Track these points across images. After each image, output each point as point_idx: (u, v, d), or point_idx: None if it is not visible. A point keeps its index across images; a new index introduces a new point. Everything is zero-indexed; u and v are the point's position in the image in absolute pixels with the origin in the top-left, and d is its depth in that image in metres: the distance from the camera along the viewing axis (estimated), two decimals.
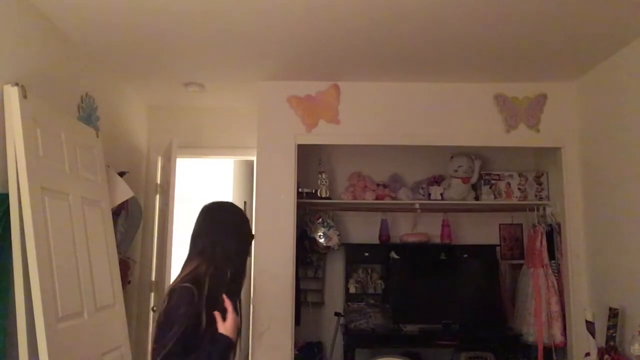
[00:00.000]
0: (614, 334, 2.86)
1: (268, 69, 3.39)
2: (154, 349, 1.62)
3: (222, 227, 1.80)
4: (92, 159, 2.88)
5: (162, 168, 4.12)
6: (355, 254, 4.26)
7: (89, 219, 2.68)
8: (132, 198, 3.42)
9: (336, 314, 4.12)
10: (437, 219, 4.27)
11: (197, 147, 4.17)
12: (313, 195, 4.07)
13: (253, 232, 2.17)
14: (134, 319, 3.85)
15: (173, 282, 1.70)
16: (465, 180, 4.08)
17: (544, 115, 3.54)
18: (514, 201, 4.09)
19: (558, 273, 3.68)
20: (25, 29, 2.45)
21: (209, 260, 1.72)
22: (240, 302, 1.80)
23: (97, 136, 3.03)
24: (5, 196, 2.18)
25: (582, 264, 3.40)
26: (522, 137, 3.55)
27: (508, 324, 3.95)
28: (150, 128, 4.25)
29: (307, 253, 4.22)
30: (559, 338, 3.55)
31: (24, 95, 2.25)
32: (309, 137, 3.57)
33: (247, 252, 1.90)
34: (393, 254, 4.16)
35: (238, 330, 1.73)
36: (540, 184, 4.10)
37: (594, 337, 3.00)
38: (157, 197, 4.10)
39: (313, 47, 3.00)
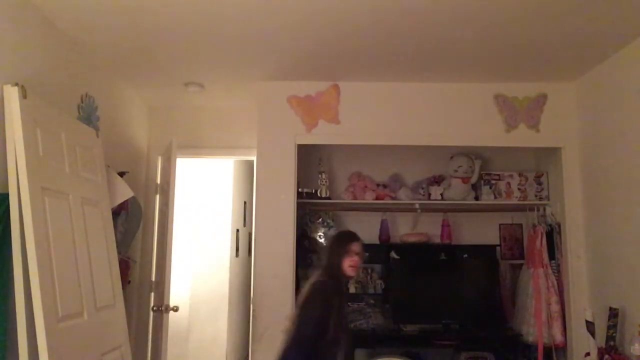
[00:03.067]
0: (614, 334, 2.86)
1: (268, 69, 3.39)
2: (291, 329, 2.35)
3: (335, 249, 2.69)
4: (92, 159, 2.88)
5: (162, 168, 4.12)
6: None
7: (89, 219, 2.68)
8: (132, 198, 3.42)
9: None
10: (437, 219, 4.27)
11: (197, 147, 4.16)
12: (313, 195, 4.06)
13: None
14: (134, 319, 3.85)
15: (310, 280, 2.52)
16: (465, 180, 4.08)
17: (544, 115, 3.54)
18: (514, 201, 4.09)
19: (558, 273, 3.68)
20: (25, 29, 2.45)
21: (329, 274, 2.56)
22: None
23: (97, 136, 3.03)
24: (5, 196, 2.18)
25: (582, 264, 3.40)
26: (522, 137, 3.55)
27: (508, 324, 3.94)
28: (150, 128, 4.25)
29: (307, 253, 4.22)
30: (559, 338, 3.55)
31: (24, 95, 2.24)
32: (309, 137, 3.57)
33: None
34: (393, 254, 4.15)
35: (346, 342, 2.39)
36: (540, 184, 4.10)
37: (594, 337, 3.00)
38: (157, 197, 4.10)
39: (313, 47, 3.00)
